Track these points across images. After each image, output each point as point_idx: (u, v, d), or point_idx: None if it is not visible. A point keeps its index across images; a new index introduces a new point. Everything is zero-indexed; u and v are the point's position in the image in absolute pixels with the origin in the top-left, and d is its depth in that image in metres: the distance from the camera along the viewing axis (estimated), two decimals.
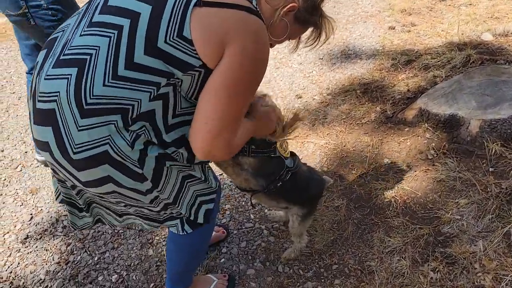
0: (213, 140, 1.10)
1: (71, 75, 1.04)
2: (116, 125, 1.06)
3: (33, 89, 1.14)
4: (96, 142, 1.06)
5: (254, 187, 1.58)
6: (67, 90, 1.04)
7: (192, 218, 1.35)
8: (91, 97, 1.03)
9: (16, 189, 2.49)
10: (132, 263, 2.00)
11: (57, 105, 1.05)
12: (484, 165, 2.13)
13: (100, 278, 1.94)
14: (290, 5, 1.21)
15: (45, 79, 1.08)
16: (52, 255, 2.08)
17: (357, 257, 1.92)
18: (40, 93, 1.09)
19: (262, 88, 3.19)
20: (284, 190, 1.59)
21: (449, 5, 4.08)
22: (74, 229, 1.43)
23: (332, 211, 2.14)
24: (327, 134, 2.67)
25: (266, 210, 2.20)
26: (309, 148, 2.59)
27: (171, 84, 1.08)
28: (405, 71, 3.09)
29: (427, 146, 2.34)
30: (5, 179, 2.59)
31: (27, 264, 2.05)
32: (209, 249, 2.03)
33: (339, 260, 1.92)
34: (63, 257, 2.06)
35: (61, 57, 1.08)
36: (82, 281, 1.93)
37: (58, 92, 1.05)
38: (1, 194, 2.48)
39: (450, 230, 1.92)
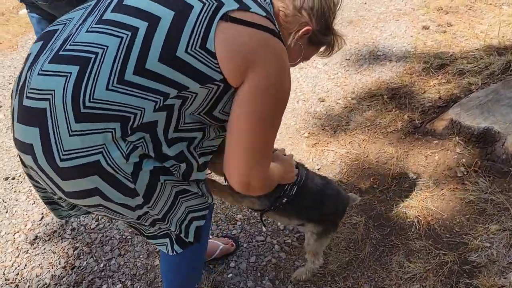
0: (251, 170, 1.09)
1: (71, 73, 0.96)
2: (113, 133, 0.98)
3: (21, 82, 1.05)
4: (88, 150, 0.98)
5: (260, 208, 1.48)
6: (64, 89, 0.96)
7: (182, 235, 1.26)
8: (91, 100, 0.95)
9: (30, 187, 2.47)
10: (138, 273, 1.94)
11: (50, 104, 0.97)
12: None
13: (104, 287, 1.89)
14: (305, 28, 1.19)
15: (38, 74, 1.00)
16: (59, 258, 2.04)
17: (373, 281, 1.79)
18: (30, 89, 1.00)
19: None
20: (293, 207, 1.49)
21: (490, 3, 3.80)
22: (60, 219, 1.36)
23: (349, 228, 2.01)
24: (349, 143, 2.52)
25: (278, 223, 2.10)
26: (329, 157, 2.45)
27: (181, 97, 1.02)
28: (438, 76, 2.89)
29: (457, 162, 2.17)
30: (20, 175, 2.58)
31: (34, 266, 2.02)
32: (217, 262, 1.95)
33: (353, 284, 1.79)
34: (69, 262, 2.02)
35: (61, 53, 1.00)
36: None
37: (53, 90, 0.97)
38: (15, 191, 2.47)
39: (477, 258, 1.76)
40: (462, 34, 3.37)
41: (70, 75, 0.96)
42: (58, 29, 1.09)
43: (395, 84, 2.93)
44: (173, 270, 1.45)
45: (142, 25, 0.98)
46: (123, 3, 1.03)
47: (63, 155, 0.98)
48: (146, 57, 0.97)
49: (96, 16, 1.04)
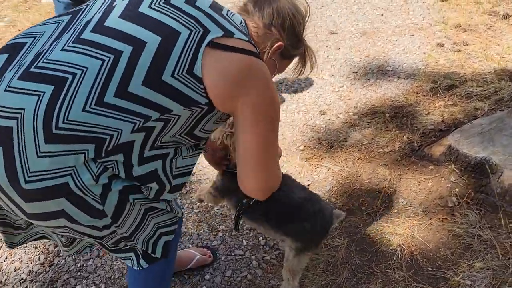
0: (267, 179, 1.24)
1: (44, 92, 0.94)
2: (85, 155, 0.96)
3: None
4: (56, 172, 0.95)
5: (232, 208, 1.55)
6: (35, 108, 0.93)
7: (149, 251, 1.24)
8: (65, 121, 0.93)
9: None
10: (113, 276, 1.94)
11: (18, 124, 0.93)
12: (511, 225, 1.86)
13: (78, 287, 1.90)
14: (277, 45, 1.23)
15: (6, 90, 0.96)
16: (39, 254, 2.06)
17: None
18: None
19: (287, 98, 3.02)
20: (264, 214, 1.52)
21: None
22: (11, 247, 1.31)
23: (330, 250, 1.96)
24: (344, 160, 2.46)
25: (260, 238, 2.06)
26: (321, 173, 2.40)
27: (163, 119, 1.03)
28: (445, 97, 2.80)
29: (449, 191, 2.09)
30: None
31: (14, 260, 2.04)
32: (192, 273, 1.93)
33: None
34: (48, 259, 2.04)
35: (32, 69, 0.97)
36: (61, 287, 1.90)
37: (23, 109, 0.93)
38: None
39: None
40: (476, 54, 3.26)
41: (43, 95, 0.93)
42: (27, 42, 1.06)
43: (399, 102, 2.85)
44: (140, 284, 1.43)
45: (126, 49, 0.98)
46: (104, 25, 1.02)
47: (29, 176, 0.94)
48: (129, 80, 0.97)
49: (73, 34, 1.02)
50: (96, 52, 0.98)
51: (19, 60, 1.01)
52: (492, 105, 2.57)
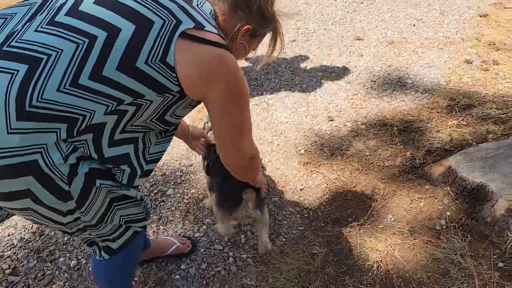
0: (246, 152, 1.33)
1: (18, 70, 0.95)
2: (58, 134, 0.99)
3: None
4: (26, 149, 0.97)
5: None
6: (8, 86, 0.95)
7: (113, 242, 1.29)
8: (39, 99, 0.95)
9: None
10: None
11: None
12: (495, 257, 1.77)
13: (60, 260, 1.99)
14: (245, 28, 1.26)
15: None
16: (32, 223, 2.17)
17: None
18: None
19: (299, 100, 3.00)
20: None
21: None
22: None
23: (307, 257, 1.94)
24: (341, 169, 2.43)
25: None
26: (316, 179, 2.38)
27: (135, 104, 1.06)
28: (459, 116, 2.69)
29: (440, 213, 2.02)
30: None
31: (9, 225, 2.16)
32: (169, 260, 1.97)
33: None
34: (41, 228, 2.14)
35: (5, 48, 0.98)
36: (45, 257, 1.99)
37: None
38: None
39: None
40: (504, 75, 3.10)
41: (17, 73, 0.95)
42: None
43: (411, 116, 2.77)
44: (101, 272, 1.47)
45: (101, 34, 1.01)
46: (79, 9, 1.04)
47: None
48: (103, 64, 1.00)
49: (46, 16, 1.04)
50: (71, 35, 1.00)
51: None
52: (507, 130, 2.45)
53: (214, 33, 1.12)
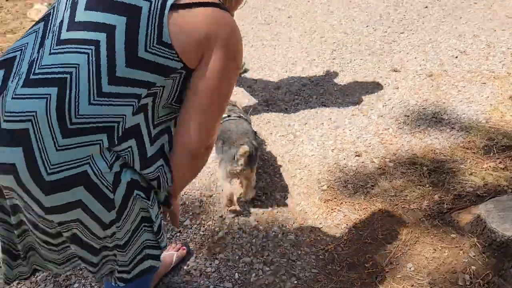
0: (212, 135, 1.23)
1: (50, 94, 1.03)
2: (101, 144, 1.06)
3: None
4: (76, 162, 1.04)
5: None
6: (46, 109, 1.02)
7: (130, 271, 1.30)
8: (77, 116, 1.03)
9: None
10: None
11: (32, 124, 1.02)
12: None
13: (75, 285, 2.03)
14: None
15: (13, 98, 1.04)
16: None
17: None
18: (6, 112, 1.04)
19: (327, 133, 2.93)
20: None
21: None
22: (7, 283, 1.37)
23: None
24: (364, 209, 2.33)
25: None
26: (337, 218, 2.30)
27: (151, 94, 1.10)
28: (497, 159, 2.52)
29: (465, 267, 1.87)
30: None
31: None
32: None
33: None
34: None
35: (32, 77, 1.05)
36: (61, 282, 2.04)
37: (35, 111, 1.02)
38: None
39: None
40: None
41: (50, 97, 1.02)
42: (16, 55, 1.14)
43: (444, 156, 2.63)
44: None
45: (102, 37, 1.05)
46: (75, 21, 1.09)
47: (50, 169, 1.03)
48: (114, 66, 1.04)
49: (53, 38, 1.09)
50: (79, 48, 1.05)
51: (16, 72, 1.10)
52: None
53: None
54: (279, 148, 2.86)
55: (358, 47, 4.07)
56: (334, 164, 2.70)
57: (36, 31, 1.16)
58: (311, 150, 2.83)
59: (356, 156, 2.74)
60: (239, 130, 2.30)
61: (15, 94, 1.05)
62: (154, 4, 1.07)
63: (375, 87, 3.48)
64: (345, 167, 2.66)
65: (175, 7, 1.07)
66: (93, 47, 1.04)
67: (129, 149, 1.11)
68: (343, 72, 3.71)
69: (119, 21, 1.06)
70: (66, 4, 1.15)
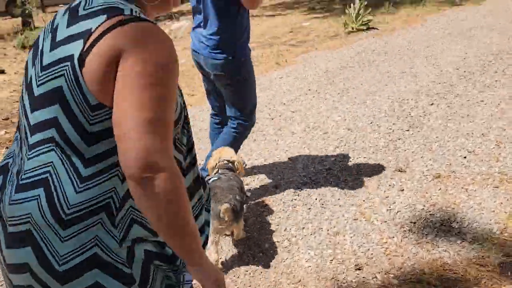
0: (150, 144, 0.96)
1: (39, 195, 1.06)
2: (102, 223, 1.05)
3: (1, 214, 1.15)
4: (82, 247, 1.04)
5: None
6: (39, 209, 1.05)
7: None
8: (69, 207, 1.04)
9: None
10: None
11: (32, 224, 1.06)
12: None
13: None
14: None
15: (10, 204, 1.09)
16: None
17: None
18: (8, 217, 1.10)
19: (325, 240, 2.70)
20: None
21: None
22: None
23: None
24: None
25: None
26: None
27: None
28: None
29: None
30: None
31: None
32: None
33: None
34: None
35: (21, 183, 1.09)
36: None
37: (30, 213, 1.06)
38: None
39: None
40: None
41: (39, 197, 1.05)
42: (9, 162, 1.22)
43: (454, 273, 2.35)
44: None
45: (53, 132, 1.06)
46: (31, 125, 1.10)
47: (61, 260, 1.04)
48: (80, 151, 1.04)
49: (26, 145, 1.13)
50: (45, 147, 1.07)
51: (9, 179, 1.17)
52: None
53: (103, 11, 1.02)
54: (272, 260, 2.62)
55: (362, 144, 3.96)
56: (332, 278, 2.43)
57: (17, 139, 1.22)
58: (307, 260, 2.58)
59: (356, 269, 2.48)
60: (225, 187, 2.50)
61: (12, 200, 1.10)
62: (67, 73, 1.02)
63: (379, 187, 3.29)
64: (344, 283, 2.39)
65: (83, 58, 0.99)
66: (53, 144, 1.06)
67: (130, 208, 1.09)
68: (345, 171, 3.56)
69: (57, 111, 1.05)
70: (21, 110, 1.17)
